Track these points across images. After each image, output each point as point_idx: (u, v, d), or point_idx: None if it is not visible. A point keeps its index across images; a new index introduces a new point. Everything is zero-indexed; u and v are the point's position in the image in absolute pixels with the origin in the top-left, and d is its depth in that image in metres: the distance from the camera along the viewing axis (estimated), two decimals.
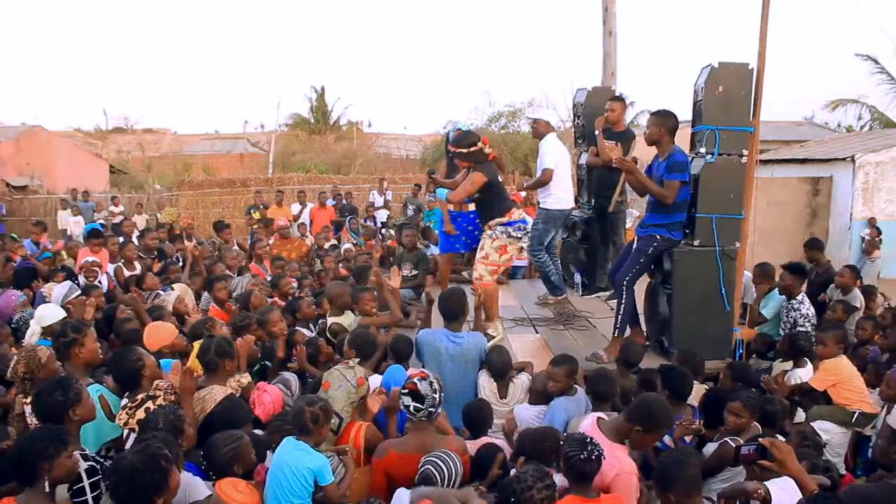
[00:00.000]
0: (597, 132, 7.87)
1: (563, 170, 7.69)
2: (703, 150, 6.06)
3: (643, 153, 7.24)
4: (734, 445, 4.10)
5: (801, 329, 6.61)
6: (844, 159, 18.42)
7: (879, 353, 6.53)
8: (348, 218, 15.29)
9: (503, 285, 9.18)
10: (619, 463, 3.68)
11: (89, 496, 3.40)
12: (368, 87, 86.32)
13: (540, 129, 7.75)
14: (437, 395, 4.03)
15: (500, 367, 5.29)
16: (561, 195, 7.69)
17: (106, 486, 3.41)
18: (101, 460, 3.66)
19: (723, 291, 6.11)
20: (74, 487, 3.38)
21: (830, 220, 18.75)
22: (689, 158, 6.05)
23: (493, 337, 6.25)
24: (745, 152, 6.08)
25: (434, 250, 9.59)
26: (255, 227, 13.42)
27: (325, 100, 41.77)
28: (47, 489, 3.18)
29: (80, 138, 39.10)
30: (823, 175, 19.09)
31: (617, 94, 9.04)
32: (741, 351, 6.54)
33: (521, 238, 6.32)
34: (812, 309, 6.90)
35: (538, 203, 7.92)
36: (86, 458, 3.52)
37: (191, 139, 47.91)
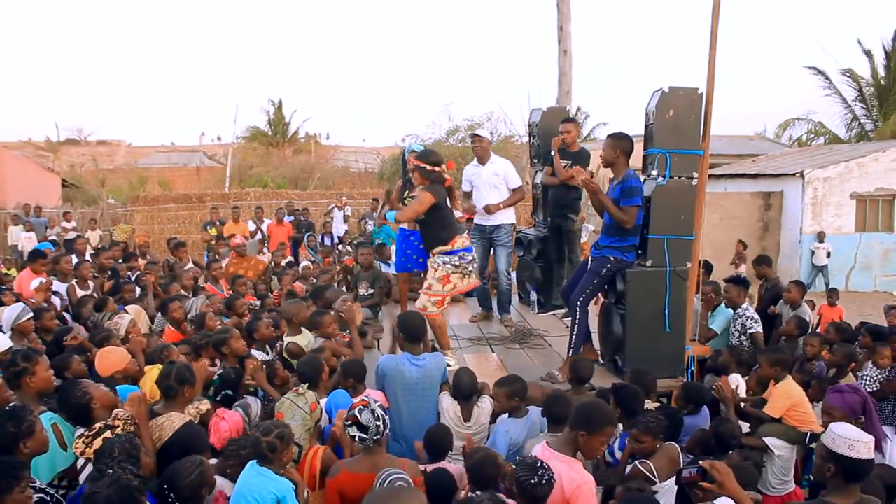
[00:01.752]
0: (553, 152, 7.99)
1: None
2: (654, 172, 6.18)
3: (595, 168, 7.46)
4: (642, 468, 4.26)
5: (751, 331, 7.12)
6: (794, 174, 18.90)
7: (825, 368, 6.70)
8: (306, 235, 15.24)
9: (460, 303, 9.24)
10: (578, 475, 3.71)
11: None
12: (326, 99, 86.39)
13: (488, 148, 8.03)
14: (380, 423, 4.04)
15: (467, 388, 5.25)
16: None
17: None
18: (52, 491, 3.60)
19: (666, 312, 6.24)
20: None
21: (781, 234, 19.23)
22: (642, 181, 6.19)
23: (450, 366, 6.23)
24: (696, 175, 6.23)
25: (388, 268, 9.61)
26: (213, 242, 13.28)
27: (283, 112, 41.66)
28: None
29: (31, 150, 38.30)
30: (774, 190, 19.56)
31: (571, 115, 9.20)
32: (693, 368, 6.68)
33: (465, 266, 6.29)
34: (755, 313, 7.33)
35: (488, 225, 7.95)
36: (34, 489, 3.45)
37: (146, 151, 47.35)
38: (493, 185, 7.82)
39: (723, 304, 7.57)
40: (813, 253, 18.08)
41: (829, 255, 17.96)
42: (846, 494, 3.19)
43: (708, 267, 7.64)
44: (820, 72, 28.24)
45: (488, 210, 7.72)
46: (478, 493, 3.71)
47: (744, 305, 7.33)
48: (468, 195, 8.06)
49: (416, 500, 2.83)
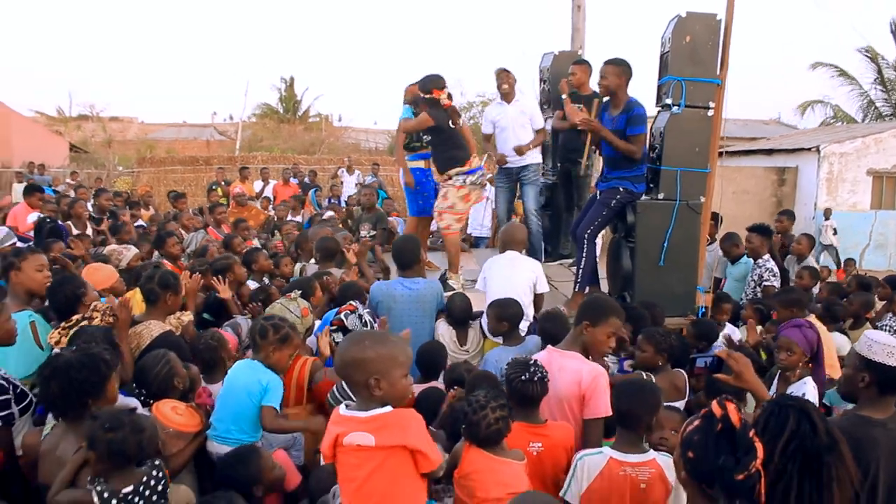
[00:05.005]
0: (563, 96, 7.71)
1: None
2: (669, 101, 5.92)
3: None
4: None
5: (766, 283, 6.88)
6: (810, 149, 18.54)
7: None
8: (313, 190, 15.04)
9: (465, 253, 9.02)
10: (591, 367, 3.60)
11: None
12: (339, 80, 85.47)
13: (514, 85, 7.70)
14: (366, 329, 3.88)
15: (461, 312, 5.21)
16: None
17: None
18: (17, 382, 3.45)
19: (664, 245, 5.98)
20: None
21: (795, 210, 18.78)
22: (657, 111, 5.97)
23: (454, 289, 6.12)
24: (712, 105, 5.96)
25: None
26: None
27: (294, 90, 41.36)
28: None
29: (42, 121, 38.11)
30: (789, 165, 19.20)
31: (582, 58, 8.88)
32: (703, 312, 6.44)
33: (479, 184, 6.43)
34: (776, 266, 7.10)
35: (515, 167, 7.84)
36: None
37: (158, 128, 47.05)
38: (520, 124, 7.66)
39: (745, 255, 7.39)
40: (820, 231, 17.66)
41: (835, 231, 17.35)
42: (881, 407, 2.89)
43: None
44: (832, 65, 27.69)
45: (519, 151, 7.56)
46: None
47: (765, 256, 7.14)
48: (488, 138, 7.92)
49: (401, 346, 2.60)
